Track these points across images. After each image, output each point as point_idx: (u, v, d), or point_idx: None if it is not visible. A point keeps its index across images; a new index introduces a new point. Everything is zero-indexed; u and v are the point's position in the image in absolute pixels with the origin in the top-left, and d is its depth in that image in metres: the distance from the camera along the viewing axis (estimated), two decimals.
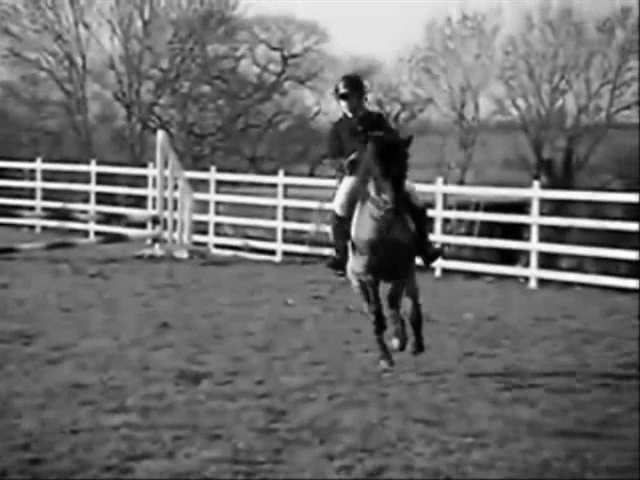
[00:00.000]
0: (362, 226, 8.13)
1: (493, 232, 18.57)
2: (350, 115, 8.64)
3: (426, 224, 8.62)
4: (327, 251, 18.00)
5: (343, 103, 8.67)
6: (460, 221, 20.32)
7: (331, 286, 13.72)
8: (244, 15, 37.17)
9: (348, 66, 39.82)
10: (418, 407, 7.17)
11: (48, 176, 22.82)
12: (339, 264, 8.56)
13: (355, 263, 8.32)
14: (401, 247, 8.16)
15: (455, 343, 9.96)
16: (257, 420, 6.81)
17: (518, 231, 18.08)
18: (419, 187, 20.47)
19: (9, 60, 35.08)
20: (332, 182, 20.01)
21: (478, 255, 18.23)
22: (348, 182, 8.42)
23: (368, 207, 8.07)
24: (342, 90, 8.66)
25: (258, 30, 38.49)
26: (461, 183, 30.16)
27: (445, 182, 17.90)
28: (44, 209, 21.87)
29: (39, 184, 22.64)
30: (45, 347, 9.12)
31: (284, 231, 18.59)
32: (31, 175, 23.56)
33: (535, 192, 15.73)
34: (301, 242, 18.63)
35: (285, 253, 18.47)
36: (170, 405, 7.19)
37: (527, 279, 15.45)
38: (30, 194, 23.04)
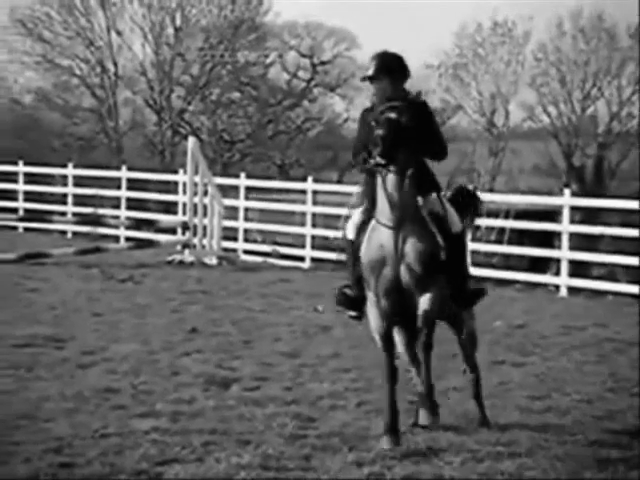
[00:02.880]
0: (368, 248, 6.59)
1: (523, 240, 18.48)
2: (380, 106, 6.68)
3: (462, 255, 6.82)
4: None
5: (372, 89, 6.82)
6: (490, 228, 20.25)
7: None
8: (274, 22, 37.30)
9: None
10: (448, 415, 7.14)
11: (79, 182, 22.98)
12: (352, 302, 6.85)
13: (370, 309, 6.72)
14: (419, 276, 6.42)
15: (485, 351, 9.90)
16: (286, 426, 6.82)
17: (548, 239, 17.97)
18: (449, 194, 20.42)
19: (42, 66, 35.37)
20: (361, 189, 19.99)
21: (508, 263, 18.14)
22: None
23: (375, 225, 6.58)
24: (369, 71, 6.77)
25: (288, 37, 38.58)
26: (491, 190, 30.04)
27: (475, 189, 17.81)
28: (75, 214, 22.02)
29: (70, 190, 22.80)
30: (76, 351, 9.18)
31: (313, 238, 18.60)
32: (63, 181, 23.74)
33: (566, 200, 15.64)
34: (330, 249, 18.63)
35: (314, 260, 18.47)
36: (200, 410, 7.21)
37: (557, 287, 15.36)
38: (61, 199, 23.21)
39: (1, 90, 36.49)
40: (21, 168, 23.53)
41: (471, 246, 16.64)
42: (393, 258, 6.48)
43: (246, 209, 20.18)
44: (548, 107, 36.71)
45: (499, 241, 19.66)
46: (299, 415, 7.10)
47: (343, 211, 20.23)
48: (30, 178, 23.63)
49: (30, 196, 23.46)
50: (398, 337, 6.98)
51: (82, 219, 21.16)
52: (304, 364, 8.98)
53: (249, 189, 20.56)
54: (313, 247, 18.60)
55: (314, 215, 18.62)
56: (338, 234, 19.66)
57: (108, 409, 7.16)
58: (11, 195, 23.60)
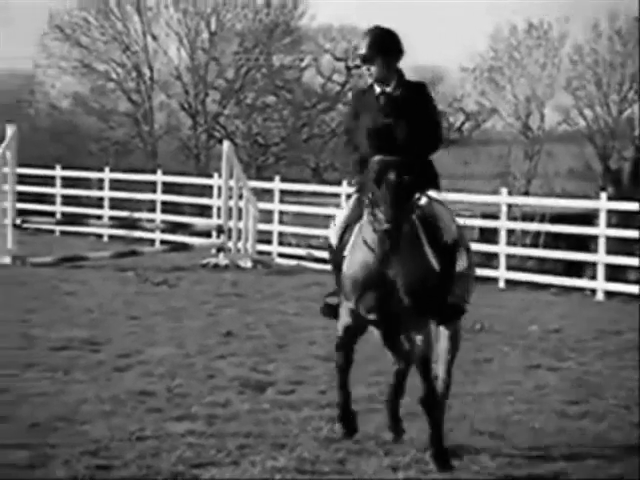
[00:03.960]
0: (352, 260, 6.11)
1: (558, 243, 18.38)
2: (377, 89, 6.24)
3: (452, 267, 6.18)
4: None
5: (365, 70, 6.31)
6: (525, 232, 20.15)
7: None
8: (309, 25, 37.34)
9: (411, 75, 39.74)
10: (483, 419, 7.12)
11: (115, 185, 23.15)
12: (336, 310, 6.44)
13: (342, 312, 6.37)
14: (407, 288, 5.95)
15: (520, 355, 9.87)
16: (322, 430, 6.82)
17: (584, 243, 17.85)
18: (483, 198, 20.36)
19: (79, 71, 35.67)
20: None
21: (543, 266, 18.06)
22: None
23: (363, 229, 6.07)
24: (362, 50, 6.23)
25: (323, 40, 38.60)
26: (526, 194, 29.87)
27: (510, 193, 17.76)
28: (111, 218, 22.19)
29: (107, 193, 22.98)
30: (112, 354, 9.24)
31: None
32: (99, 184, 23.93)
33: (602, 203, 15.53)
34: None
35: None
36: (235, 413, 7.24)
37: (593, 291, 15.25)
38: (98, 203, 23.40)
39: (39, 95, 36.84)
40: (58, 172, 23.74)
41: (506, 250, 16.63)
42: (379, 281, 5.98)
43: (281, 212, 20.23)
44: (584, 110, 36.43)
45: (534, 245, 19.59)
46: (334, 419, 7.09)
47: None
48: (67, 182, 23.85)
49: (67, 200, 23.68)
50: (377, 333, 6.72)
51: (118, 222, 21.32)
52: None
53: (284, 192, 20.61)
54: None
55: None
56: None
57: (144, 412, 7.20)
58: (49, 199, 23.84)
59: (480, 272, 17.00)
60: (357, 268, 6.04)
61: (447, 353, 6.65)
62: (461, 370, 8.59)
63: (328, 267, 6.86)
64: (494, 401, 7.81)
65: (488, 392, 8.10)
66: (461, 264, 6.32)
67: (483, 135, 38.38)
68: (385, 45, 6.22)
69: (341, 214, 6.43)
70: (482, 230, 19.71)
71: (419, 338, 6.15)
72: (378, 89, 6.22)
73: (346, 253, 6.17)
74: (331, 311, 6.51)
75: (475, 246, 18.90)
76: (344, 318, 6.35)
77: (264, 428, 6.85)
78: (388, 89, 6.21)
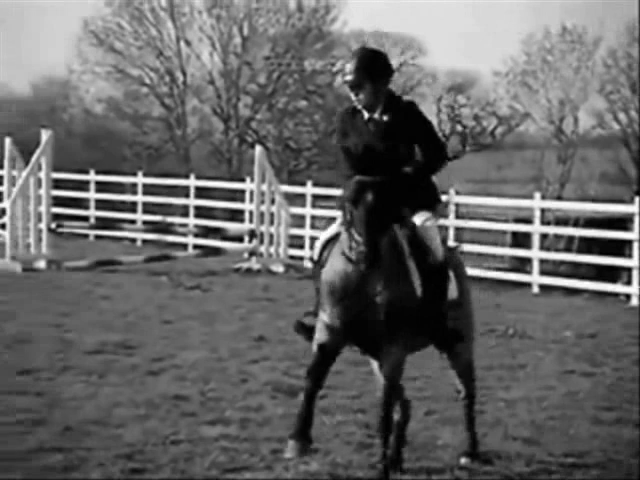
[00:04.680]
0: (331, 267, 5.80)
1: (592, 248, 18.26)
2: (365, 114, 5.92)
3: (442, 291, 5.87)
4: None
5: (352, 95, 5.93)
6: (558, 236, 20.04)
7: None
8: (341, 31, 37.40)
9: (445, 80, 39.71)
10: (517, 425, 7.09)
11: (149, 190, 23.28)
12: (312, 332, 6.00)
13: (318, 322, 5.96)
14: (383, 309, 5.64)
15: (554, 361, 9.81)
16: (354, 435, 6.82)
17: (619, 247, 17.72)
18: (516, 202, 20.24)
19: (113, 76, 35.96)
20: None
21: (577, 271, 17.93)
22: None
23: (342, 242, 5.76)
24: (348, 76, 5.86)
25: (355, 45, 38.65)
26: (559, 198, 29.72)
27: (543, 197, 17.67)
28: (145, 222, 22.32)
29: (140, 198, 23.11)
30: (146, 358, 9.29)
31: None
32: (133, 189, 24.08)
33: (637, 208, 15.40)
34: None
35: None
36: (268, 418, 7.25)
37: (628, 296, 15.13)
38: (131, 208, 23.54)
39: (74, 100, 37.17)
40: (93, 177, 23.92)
41: (540, 254, 16.55)
42: (356, 294, 5.68)
43: (313, 217, 20.25)
44: (618, 114, 36.19)
45: (568, 249, 19.46)
46: (367, 424, 7.09)
47: None
48: (101, 187, 24.02)
49: (101, 204, 23.85)
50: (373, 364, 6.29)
51: (151, 227, 21.43)
52: (371, 372, 8.95)
53: (316, 197, 20.63)
54: None
55: None
56: None
57: (178, 416, 7.23)
58: (83, 203, 24.02)
59: (513, 277, 17.01)
60: (335, 275, 5.74)
61: (464, 392, 6.53)
62: (494, 375, 8.57)
63: None
64: (528, 407, 7.76)
65: (522, 397, 8.06)
66: (451, 292, 5.99)
67: (516, 139, 38.25)
68: (373, 70, 5.84)
69: (327, 231, 6.09)
70: (515, 235, 19.62)
71: (387, 364, 5.87)
72: (367, 115, 5.90)
73: (326, 265, 5.85)
74: (305, 331, 6.08)
75: (508, 251, 18.91)
76: (319, 335, 5.88)
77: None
78: (376, 115, 5.90)
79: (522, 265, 18.20)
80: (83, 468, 6.00)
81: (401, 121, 5.88)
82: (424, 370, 9.09)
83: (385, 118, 5.88)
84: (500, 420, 7.32)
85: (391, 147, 5.83)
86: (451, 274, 6.03)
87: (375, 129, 5.86)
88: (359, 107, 5.93)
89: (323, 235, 6.09)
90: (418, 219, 5.95)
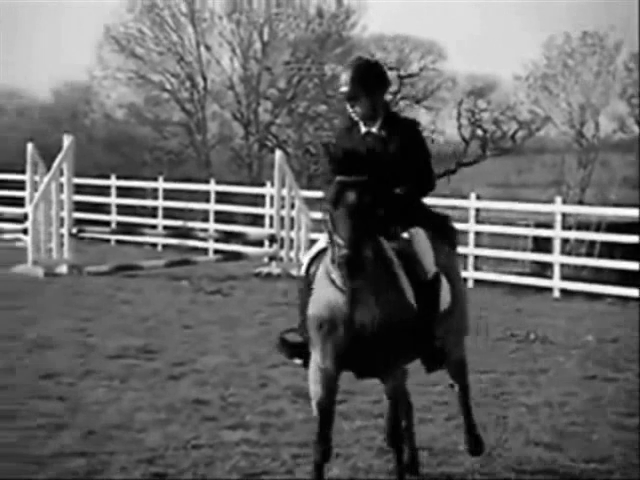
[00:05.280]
0: (317, 297, 5.46)
1: (614, 253, 18.16)
2: (362, 128, 5.77)
3: (433, 308, 5.58)
4: None
5: (349, 107, 5.75)
6: (580, 241, 19.95)
7: None
8: (361, 35, 37.41)
9: (465, 84, 39.64)
10: (539, 430, 7.06)
11: (169, 195, 23.36)
12: (294, 349, 5.72)
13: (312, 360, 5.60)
14: (378, 329, 5.30)
15: (575, 366, 9.77)
16: (375, 440, 6.81)
17: None
18: (537, 207, 20.12)
19: (134, 82, 36.12)
20: (445, 201, 19.90)
21: (599, 276, 17.84)
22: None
23: (327, 261, 5.43)
24: (344, 88, 5.68)
25: (375, 50, 38.64)
26: (580, 203, 29.58)
27: (564, 202, 17.60)
28: (165, 227, 22.39)
29: (161, 203, 23.19)
30: (167, 363, 9.32)
31: None
32: (153, 194, 24.16)
33: None
34: None
35: None
36: (289, 423, 7.25)
37: None
38: (152, 212, 23.62)
39: (95, 105, 37.36)
40: (114, 182, 24.03)
41: (561, 259, 16.48)
42: (345, 323, 5.31)
43: None
44: None
45: (589, 254, 19.37)
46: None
47: None
48: (122, 192, 24.12)
49: (122, 209, 23.94)
50: None
51: (172, 232, 21.49)
52: None
53: None
54: None
55: None
56: None
57: (199, 420, 7.26)
58: (104, 208, 24.13)
59: (535, 282, 16.94)
60: (321, 307, 5.37)
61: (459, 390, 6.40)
62: (516, 380, 8.54)
63: None
64: (549, 412, 7.74)
65: (543, 402, 8.03)
66: (444, 301, 5.73)
67: (537, 143, 38.10)
68: (370, 81, 5.65)
69: (315, 246, 5.82)
70: (536, 239, 19.55)
71: (389, 384, 5.59)
72: (364, 128, 5.73)
73: (314, 288, 5.49)
74: (289, 349, 5.75)
75: (529, 255, 18.84)
76: (314, 386, 5.55)
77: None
78: (374, 129, 5.72)
79: (543, 270, 18.13)
80: (105, 472, 6.03)
81: (399, 139, 5.70)
82: (444, 375, 9.08)
83: (383, 133, 5.72)
84: (522, 425, 7.30)
85: (385, 163, 5.54)
86: (444, 281, 5.76)
87: (372, 143, 5.63)
88: (356, 119, 5.77)
89: (310, 251, 5.83)
90: (407, 233, 5.71)
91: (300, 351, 5.67)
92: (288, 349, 5.74)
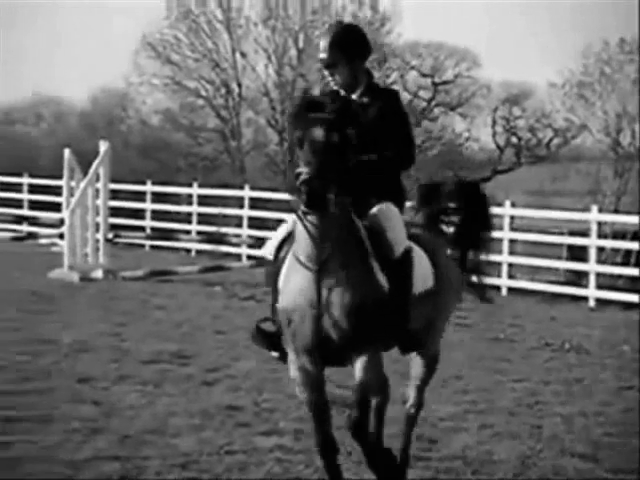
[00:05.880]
0: (287, 285, 5.19)
1: None
2: (342, 93, 5.44)
3: (404, 287, 5.23)
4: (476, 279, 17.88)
5: (328, 75, 5.47)
6: (615, 250, 19.80)
7: (480, 314, 13.58)
8: (396, 42, 37.40)
9: (499, 91, 39.48)
10: (574, 440, 7.01)
11: (203, 201, 23.46)
12: (270, 340, 5.45)
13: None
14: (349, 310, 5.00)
15: (611, 376, 9.69)
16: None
17: None
18: (572, 215, 19.96)
19: (169, 88, 36.33)
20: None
21: (635, 285, 17.69)
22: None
23: (296, 245, 5.12)
24: (322, 54, 5.40)
25: (409, 57, 38.62)
26: (616, 211, 29.34)
27: (600, 210, 17.47)
28: (199, 233, 22.48)
29: (195, 209, 23.30)
30: (201, 368, 9.35)
31: None
32: (188, 200, 24.27)
33: None
34: None
35: None
36: None
37: None
38: (186, 218, 23.74)
39: (131, 111, 37.63)
40: (149, 187, 24.18)
41: (596, 268, 16.34)
42: (315, 309, 5.03)
43: None
44: None
45: (625, 263, 19.22)
46: (421, 436, 7.06)
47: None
48: (157, 197, 24.26)
49: (157, 215, 24.08)
50: None
51: (206, 237, 21.59)
52: None
53: None
54: None
55: None
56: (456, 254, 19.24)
57: (232, 426, 7.27)
58: (139, 214, 24.28)
59: (569, 290, 16.81)
60: (290, 298, 5.11)
61: (418, 379, 6.08)
62: (551, 390, 8.48)
63: None
64: (584, 422, 7.67)
65: (578, 412, 7.97)
66: (424, 282, 5.42)
67: (572, 151, 37.82)
68: (350, 47, 5.33)
69: (281, 230, 5.45)
70: (571, 248, 19.43)
71: (359, 363, 5.24)
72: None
73: (281, 277, 5.23)
74: (264, 339, 5.47)
75: (564, 264, 18.72)
76: (300, 387, 5.41)
77: (351, 445, 6.84)
78: (354, 95, 5.38)
79: (578, 278, 18.00)
80: (140, 477, 6.06)
81: (380, 107, 5.38)
82: (478, 383, 9.04)
83: (365, 100, 5.41)
84: (556, 435, 7.25)
85: (364, 132, 5.23)
86: (428, 261, 5.49)
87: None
88: (335, 88, 5.45)
89: (277, 233, 5.46)
90: (377, 209, 5.33)
91: (275, 342, 5.40)
92: (263, 339, 5.47)
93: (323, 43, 5.36)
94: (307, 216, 4.91)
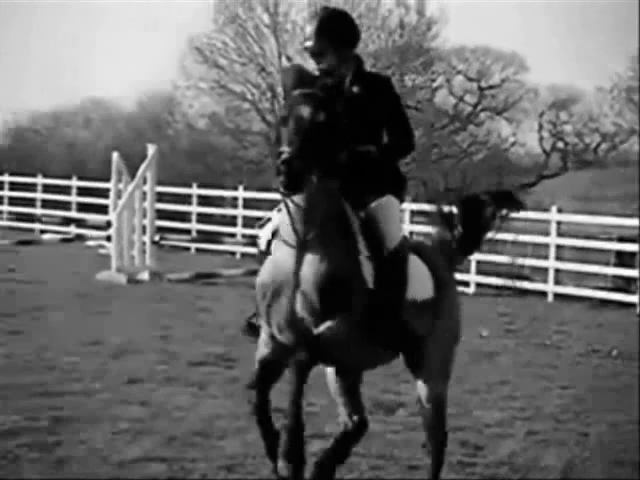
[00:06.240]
0: (264, 268, 5.10)
1: None
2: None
3: (396, 283, 5.03)
4: (522, 284, 17.83)
5: (314, 63, 5.17)
6: None
7: (526, 320, 13.51)
8: (442, 46, 37.30)
9: (547, 96, 39.21)
10: (622, 449, 6.93)
11: (248, 204, 23.55)
12: (258, 331, 5.31)
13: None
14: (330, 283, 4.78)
15: None
16: (453, 454, 6.76)
17: None
18: (620, 221, 19.74)
19: (216, 92, 36.55)
20: (526, 214, 19.59)
21: None
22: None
23: (281, 227, 5.01)
24: (308, 42, 5.11)
25: (456, 61, 38.49)
26: None
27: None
28: (244, 236, 22.58)
29: (240, 212, 23.40)
30: (246, 371, 9.37)
31: (477, 262, 18.42)
32: (233, 203, 24.38)
33: None
34: (495, 274, 18.41)
35: (478, 285, 18.31)
36: (367, 434, 7.23)
37: None
38: (231, 221, 23.85)
39: (178, 115, 37.91)
40: (195, 190, 24.33)
41: None
42: (290, 284, 4.86)
43: (411, 233, 20.17)
44: None
45: None
46: (466, 442, 7.03)
47: (507, 236, 20.03)
48: (203, 200, 24.41)
49: (202, 218, 24.23)
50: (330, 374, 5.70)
51: (250, 241, 21.65)
52: (470, 390, 8.90)
53: (414, 213, 20.57)
54: (478, 272, 18.43)
55: None
56: (503, 259, 19.15)
57: (278, 429, 7.27)
58: (185, 217, 24.45)
59: (617, 297, 16.63)
60: (266, 273, 4.99)
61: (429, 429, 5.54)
62: (598, 397, 8.40)
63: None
64: (632, 429, 7.59)
65: (627, 421, 7.88)
66: (423, 291, 5.20)
67: (620, 156, 37.48)
68: (337, 34, 5.03)
69: (273, 221, 5.29)
70: (619, 253, 19.20)
71: (321, 327, 4.83)
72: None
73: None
74: (252, 330, 5.38)
75: (612, 270, 18.50)
76: (261, 348, 5.18)
77: (396, 450, 6.84)
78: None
79: (627, 285, 17.78)
80: (186, 478, 6.10)
81: (372, 96, 5.08)
82: (525, 389, 8.98)
83: (355, 89, 5.12)
84: (604, 443, 7.18)
85: (357, 123, 4.99)
86: (426, 270, 5.23)
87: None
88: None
89: (268, 227, 5.32)
90: (377, 202, 5.12)
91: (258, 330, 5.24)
92: (253, 332, 5.34)
93: (309, 30, 5.08)
94: (288, 197, 4.75)
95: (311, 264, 4.79)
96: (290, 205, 4.81)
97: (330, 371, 5.76)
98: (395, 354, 5.35)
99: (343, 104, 4.84)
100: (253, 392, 5.18)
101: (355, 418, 5.77)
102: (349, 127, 4.88)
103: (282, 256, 4.91)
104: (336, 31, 5.03)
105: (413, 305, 5.10)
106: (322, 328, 4.83)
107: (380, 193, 5.15)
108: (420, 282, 5.18)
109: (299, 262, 4.83)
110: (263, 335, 5.16)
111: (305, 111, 4.66)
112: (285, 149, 4.62)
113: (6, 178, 29.24)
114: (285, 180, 4.61)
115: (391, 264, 4.96)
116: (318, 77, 4.90)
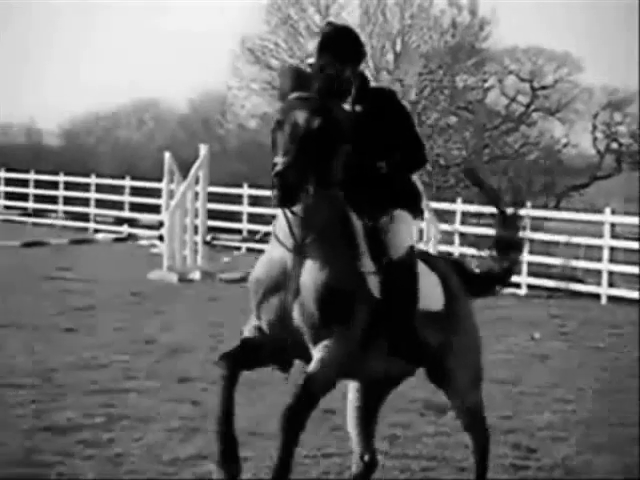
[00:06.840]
0: (260, 261, 5.02)
1: None
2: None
3: (404, 293, 4.91)
4: (575, 286, 17.66)
5: None
6: None
7: (579, 322, 13.40)
8: (494, 47, 37.07)
9: (601, 96, 38.77)
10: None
11: None
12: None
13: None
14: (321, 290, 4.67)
15: None
16: (505, 457, 6.73)
17: None
18: None
19: (267, 93, 36.71)
20: (579, 215, 19.44)
21: None
22: None
23: (277, 225, 4.92)
24: (310, 59, 5.08)
25: (508, 61, 38.23)
26: None
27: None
28: None
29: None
30: (297, 371, 9.39)
31: (529, 264, 18.30)
32: None
33: None
34: (546, 275, 18.27)
35: (530, 286, 18.17)
36: (417, 435, 7.24)
37: None
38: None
39: (229, 116, 38.14)
40: (246, 190, 24.45)
41: None
42: (285, 286, 4.77)
43: (462, 234, 20.09)
44: None
45: None
46: (518, 445, 7.00)
47: (560, 238, 19.89)
48: (253, 200, 24.53)
49: (253, 217, 24.34)
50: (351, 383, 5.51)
51: None
52: (522, 393, 8.85)
53: (465, 214, 20.49)
54: (529, 274, 18.30)
55: (531, 241, 18.31)
56: (555, 261, 18.95)
57: (328, 429, 7.30)
58: (236, 216, 24.58)
59: None
60: (260, 268, 4.88)
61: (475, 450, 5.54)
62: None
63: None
64: None
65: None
66: (435, 302, 5.14)
67: None
68: (341, 50, 4.91)
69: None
70: None
71: (318, 351, 4.87)
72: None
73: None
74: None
75: None
76: (246, 333, 5.11)
77: (447, 451, 6.82)
78: (346, 105, 4.95)
79: None
80: (239, 477, 6.13)
81: (377, 113, 4.95)
82: (577, 392, 8.90)
83: (358, 108, 4.98)
84: None
85: (362, 142, 4.87)
86: (438, 282, 5.16)
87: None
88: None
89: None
90: (388, 216, 5.02)
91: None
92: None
93: (313, 47, 5.00)
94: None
95: (310, 272, 4.68)
96: (288, 214, 4.71)
97: (352, 391, 5.73)
98: (413, 367, 5.31)
99: (344, 111, 4.78)
100: (223, 362, 5.03)
101: (366, 458, 5.69)
102: (357, 145, 4.78)
103: (278, 255, 4.81)
104: (340, 48, 4.93)
105: (424, 315, 5.02)
106: (312, 366, 4.94)
107: (391, 208, 5.06)
108: (430, 292, 5.10)
109: (295, 266, 4.73)
110: (251, 324, 5.07)
111: (301, 117, 4.55)
112: (279, 160, 4.48)
113: (61, 178, 29.65)
114: (280, 194, 4.46)
115: (396, 274, 4.85)
116: (316, 78, 4.76)
